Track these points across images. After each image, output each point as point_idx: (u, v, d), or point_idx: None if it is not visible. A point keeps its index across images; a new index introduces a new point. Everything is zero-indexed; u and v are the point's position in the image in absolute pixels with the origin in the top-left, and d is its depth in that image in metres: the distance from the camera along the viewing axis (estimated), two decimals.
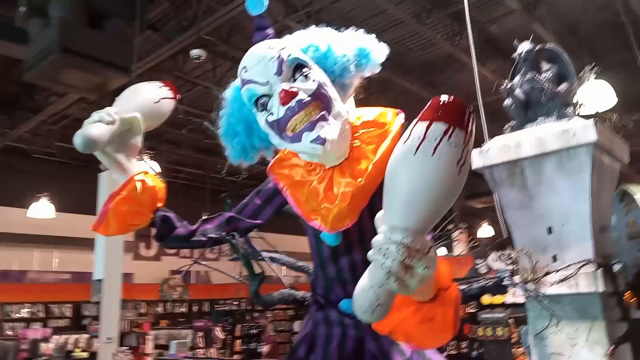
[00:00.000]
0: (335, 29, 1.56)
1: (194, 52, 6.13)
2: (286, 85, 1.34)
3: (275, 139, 1.41)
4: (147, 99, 1.63)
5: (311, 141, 1.31)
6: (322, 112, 1.34)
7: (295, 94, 1.33)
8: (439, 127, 0.92)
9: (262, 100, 1.38)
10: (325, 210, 1.43)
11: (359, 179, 1.37)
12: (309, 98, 1.34)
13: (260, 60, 1.39)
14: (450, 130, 0.92)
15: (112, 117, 1.49)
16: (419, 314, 1.14)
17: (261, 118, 1.40)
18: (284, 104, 1.33)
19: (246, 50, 1.52)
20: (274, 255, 2.13)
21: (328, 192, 1.42)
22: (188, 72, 8.44)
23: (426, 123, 0.93)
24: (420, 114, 0.95)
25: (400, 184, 0.95)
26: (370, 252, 0.99)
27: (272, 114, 1.36)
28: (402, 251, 0.93)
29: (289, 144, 1.37)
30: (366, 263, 1.56)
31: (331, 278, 1.58)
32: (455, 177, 0.93)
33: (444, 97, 0.96)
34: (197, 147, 12.50)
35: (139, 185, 1.58)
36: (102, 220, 1.57)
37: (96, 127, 1.45)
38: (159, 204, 1.66)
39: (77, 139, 1.42)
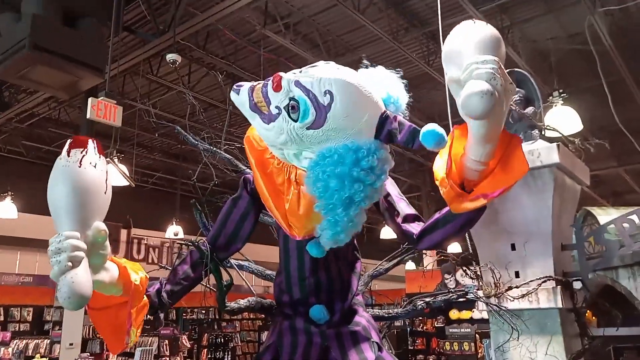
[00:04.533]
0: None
1: (170, 57, 6.09)
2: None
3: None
4: (99, 197, 1.30)
5: None
6: None
7: None
8: None
9: None
10: (293, 217, 1.48)
11: None
12: None
13: None
14: None
15: (82, 248, 1.21)
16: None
17: None
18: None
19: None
20: (242, 262, 2.13)
21: (300, 200, 1.47)
22: (162, 76, 8.38)
23: None
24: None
25: None
26: (462, 74, 1.16)
27: None
28: (499, 65, 1.14)
29: None
30: (341, 274, 1.62)
31: (309, 287, 1.61)
32: None
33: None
34: (168, 152, 12.38)
35: (140, 287, 1.45)
36: (126, 339, 1.44)
37: (76, 275, 1.17)
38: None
39: (68, 302, 1.15)
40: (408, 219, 1.62)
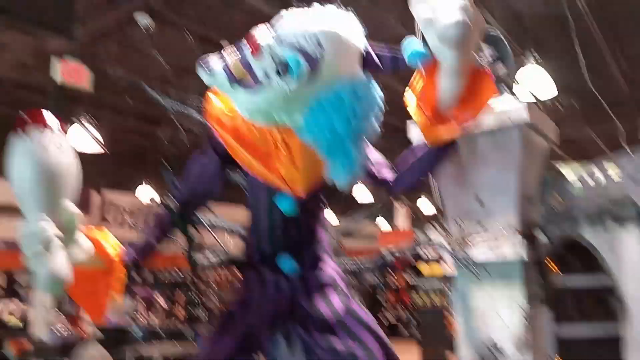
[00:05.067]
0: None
1: (142, 20, 5.93)
2: None
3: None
4: (67, 179, 1.26)
5: None
6: None
7: None
8: None
9: None
10: (292, 176, 1.51)
11: None
12: None
13: None
14: None
15: (55, 232, 1.21)
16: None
17: None
18: None
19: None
20: (213, 222, 2.15)
21: (294, 159, 1.49)
22: (134, 40, 8.15)
23: None
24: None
25: None
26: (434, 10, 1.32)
27: None
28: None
29: None
30: (310, 226, 1.67)
31: (278, 242, 1.65)
32: None
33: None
34: (140, 115, 12.15)
35: (119, 262, 1.52)
36: (110, 305, 1.53)
37: (52, 260, 1.16)
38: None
39: (48, 288, 1.18)
40: (382, 165, 1.69)
